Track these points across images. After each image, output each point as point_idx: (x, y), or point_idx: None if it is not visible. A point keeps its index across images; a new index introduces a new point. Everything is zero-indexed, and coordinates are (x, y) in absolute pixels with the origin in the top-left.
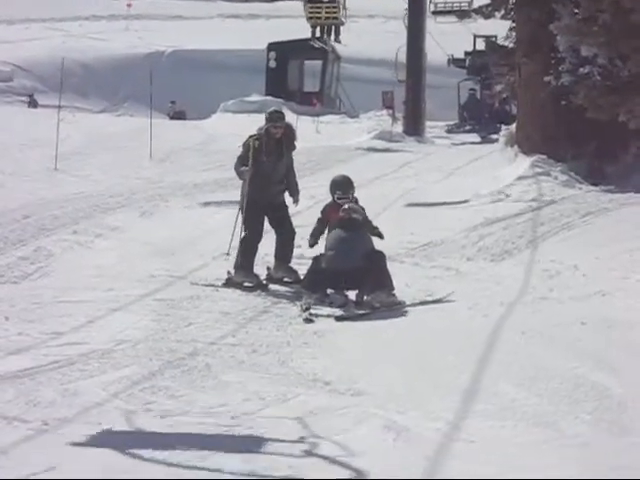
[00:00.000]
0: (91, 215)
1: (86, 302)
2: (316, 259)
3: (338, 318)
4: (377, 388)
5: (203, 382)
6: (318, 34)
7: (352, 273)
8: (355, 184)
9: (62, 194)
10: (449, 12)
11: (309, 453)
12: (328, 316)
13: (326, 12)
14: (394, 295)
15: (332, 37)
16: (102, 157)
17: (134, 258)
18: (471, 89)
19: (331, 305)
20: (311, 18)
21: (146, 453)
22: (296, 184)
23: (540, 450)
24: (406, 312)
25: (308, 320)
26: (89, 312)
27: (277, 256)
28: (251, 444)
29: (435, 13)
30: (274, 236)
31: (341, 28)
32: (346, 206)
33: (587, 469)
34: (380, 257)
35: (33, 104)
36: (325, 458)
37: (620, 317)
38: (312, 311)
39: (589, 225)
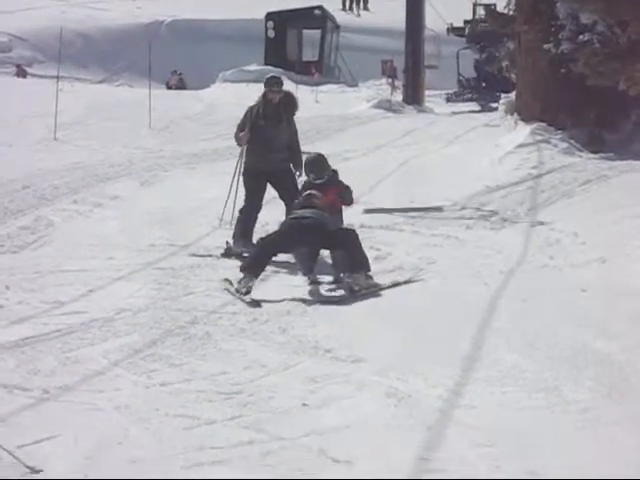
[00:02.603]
0: (91, 185)
1: (86, 271)
2: (264, 239)
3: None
4: (378, 355)
5: (204, 350)
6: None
7: (316, 228)
8: (353, 153)
9: (61, 164)
10: None
11: (311, 421)
12: (281, 300)
13: None
14: (371, 277)
15: (361, 6)
16: (101, 127)
17: (134, 227)
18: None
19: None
20: None
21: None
22: (300, 155)
23: (541, 415)
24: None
25: (256, 303)
26: (90, 281)
27: None
28: (252, 412)
29: None
30: (277, 205)
31: None
32: (307, 192)
33: (585, 434)
34: (354, 235)
35: (21, 74)
36: (327, 428)
37: (621, 284)
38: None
39: (589, 192)
